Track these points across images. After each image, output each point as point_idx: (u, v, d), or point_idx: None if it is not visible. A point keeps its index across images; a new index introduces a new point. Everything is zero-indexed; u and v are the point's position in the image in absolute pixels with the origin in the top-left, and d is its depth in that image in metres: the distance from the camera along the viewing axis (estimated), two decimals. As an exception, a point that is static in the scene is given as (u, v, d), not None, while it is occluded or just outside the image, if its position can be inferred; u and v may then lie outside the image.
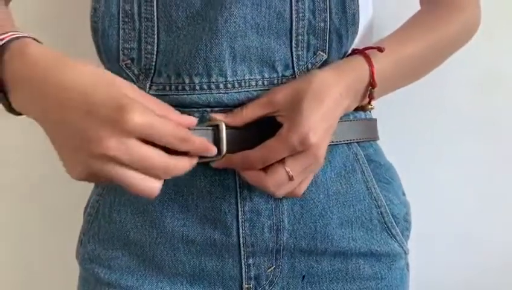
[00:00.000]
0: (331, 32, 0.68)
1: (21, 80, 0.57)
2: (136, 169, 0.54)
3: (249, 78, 0.67)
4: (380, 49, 0.68)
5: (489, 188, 1.06)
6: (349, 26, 0.68)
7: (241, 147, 0.63)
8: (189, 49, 0.65)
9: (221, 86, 0.66)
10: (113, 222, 0.72)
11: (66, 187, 1.04)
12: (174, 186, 0.69)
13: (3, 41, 0.58)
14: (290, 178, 0.62)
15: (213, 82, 0.66)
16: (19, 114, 0.60)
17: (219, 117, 0.64)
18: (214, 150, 0.60)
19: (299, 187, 0.64)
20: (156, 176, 0.55)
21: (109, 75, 0.55)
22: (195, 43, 0.65)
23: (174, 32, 0.66)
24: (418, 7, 0.82)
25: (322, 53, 0.68)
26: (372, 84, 0.68)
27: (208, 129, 0.63)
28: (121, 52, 0.67)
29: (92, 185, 0.76)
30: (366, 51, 0.69)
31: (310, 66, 0.68)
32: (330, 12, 0.68)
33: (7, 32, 0.59)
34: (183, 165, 0.57)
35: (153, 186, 0.55)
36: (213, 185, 0.68)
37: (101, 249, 0.72)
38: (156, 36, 0.67)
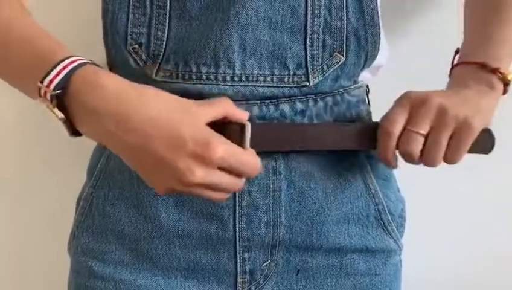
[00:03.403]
0: (349, 33, 0.67)
1: (95, 112, 0.58)
2: (212, 189, 0.60)
3: (258, 73, 0.66)
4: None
5: (480, 184, 1.07)
6: (368, 28, 0.68)
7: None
8: (199, 38, 0.65)
9: (228, 78, 0.66)
10: (107, 215, 0.71)
11: (57, 179, 1.04)
12: None
13: (68, 70, 0.59)
14: (417, 134, 0.65)
15: (220, 73, 0.65)
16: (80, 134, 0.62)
17: None
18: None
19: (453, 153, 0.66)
20: (226, 191, 0.62)
21: (188, 103, 0.60)
22: (206, 32, 0.65)
23: (187, 21, 0.66)
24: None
25: (339, 55, 0.68)
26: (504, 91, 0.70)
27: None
28: (129, 36, 0.67)
29: (83, 178, 0.76)
30: (496, 68, 0.68)
31: (325, 67, 0.67)
32: (347, 11, 0.67)
33: (68, 58, 0.60)
34: (242, 184, 0.62)
35: (223, 197, 0.62)
36: None
37: (94, 242, 0.72)
38: (167, 23, 0.66)
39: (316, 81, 0.67)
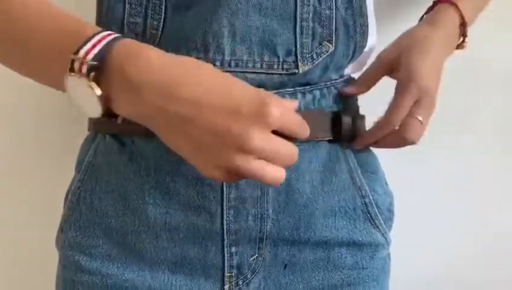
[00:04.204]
0: (338, 22, 0.68)
1: (138, 85, 0.54)
2: (269, 160, 0.55)
3: (247, 59, 0.66)
4: None
5: (470, 180, 1.07)
6: (357, 18, 0.69)
7: None
8: (191, 25, 0.65)
9: (218, 63, 0.66)
10: (94, 209, 0.71)
11: (46, 173, 1.04)
12: (155, 174, 0.68)
13: (106, 41, 0.55)
14: (421, 123, 0.72)
15: (209, 58, 0.65)
16: (112, 116, 0.57)
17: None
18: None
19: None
20: (283, 164, 0.56)
21: (232, 76, 0.57)
22: (197, 19, 0.65)
23: (182, 10, 0.66)
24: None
25: (328, 44, 0.68)
26: (463, 24, 0.78)
27: None
28: (125, 26, 0.67)
29: (71, 173, 0.76)
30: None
31: (314, 55, 0.68)
32: (336, 0, 0.68)
33: (103, 31, 0.56)
34: (297, 151, 0.58)
35: (281, 174, 0.56)
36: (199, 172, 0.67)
37: (81, 236, 0.71)
38: (163, 13, 0.66)
39: (306, 69, 0.68)
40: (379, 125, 0.74)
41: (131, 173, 0.69)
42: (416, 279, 1.07)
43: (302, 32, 0.67)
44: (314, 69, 0.69)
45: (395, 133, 0.73)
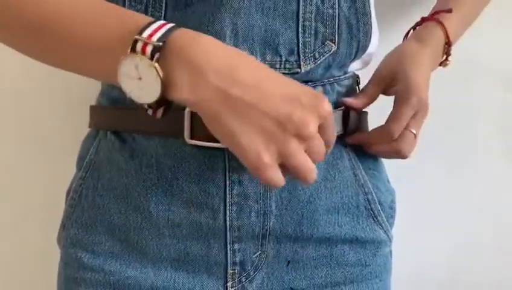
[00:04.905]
0: (341, 21, 0.68)
1: (201, 68, 0.54)
2: (311, 152, 0.58)
3: None
4: (449, 11, 0.81)
5: (470, 179, 1.07)
6: (360, 17, 0.69)
7: None
8: (192, 24, 0.65)
9: None
10: (97, 206, 0.71)
11: (48, 171, 1.04)
12: (157, 171, 0.68)
13: (169, 26, 0.56)
14: (415, 136, 0.74)
15: None
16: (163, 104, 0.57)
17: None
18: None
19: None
20: (316, 160, 0.59)
21: None
22: (199, 17, 0.65)
23: (182, 8, 0.66)
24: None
25: (330, 43, 0.68)
26: (448, 43, 0.81)
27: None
28: None
29: (72, 170, 0.75)
30: (436, 16, 0.81)
31: (317, 55, 0.68)
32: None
33: (159, 20, 0.57)
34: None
35: (314, 168, 0.58)
36: (202, 168, 0.67)
37: (84, 233, 0.71)
38: (163, 10, 0.66)
39: (308, 68, 0.68)
40: (379, 132, 0.75)
41: (133, 170, 0.69)
42: (417, 276, 1.07)
43: (304, 32, 0.67)
44: (316, 68, 0.69)
45: (390, 144, 0.74)
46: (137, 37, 0.54)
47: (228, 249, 0.69)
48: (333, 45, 0.68)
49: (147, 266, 0.70)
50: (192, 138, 0.66)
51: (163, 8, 0.66)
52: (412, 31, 0.84)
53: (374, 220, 0.74)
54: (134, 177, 0.69)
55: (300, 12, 0.67)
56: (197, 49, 0.55)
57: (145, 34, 0.55)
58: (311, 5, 0.67)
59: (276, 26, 0.66)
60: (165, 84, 0.55)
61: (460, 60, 1.01)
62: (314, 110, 0.56)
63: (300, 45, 0.67)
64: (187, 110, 0.65)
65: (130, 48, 0.55)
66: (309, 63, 0.68)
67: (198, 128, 0.65)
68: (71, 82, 0.99)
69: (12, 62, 1.01)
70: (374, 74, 0.78)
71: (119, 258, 0.70)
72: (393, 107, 0.75)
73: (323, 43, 0.68)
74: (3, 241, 1.07)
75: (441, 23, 0.81)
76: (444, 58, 0.83)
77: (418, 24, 0.83)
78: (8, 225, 1.07)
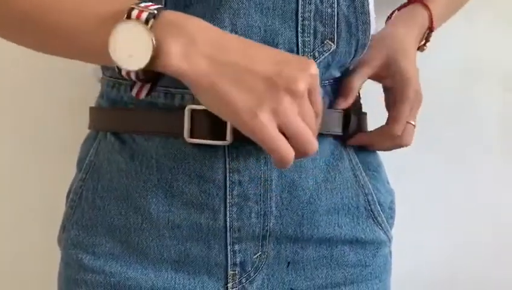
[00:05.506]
0: (340, 20, 0.68)
1: (192, 38, 0.56)
2: (304, 117, 0.58)
3: None
4: None
5: (470, 179, 1.08)
6: (359, 15, 0.69)
7: None
8: None
9: None
10: (97, 208, 0.71)
11: (48, 172, 1.04)
12: (157, 172, 0.68)
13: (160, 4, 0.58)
14: (414, 126, 0.76)
15: None
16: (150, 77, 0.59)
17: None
18: None
19: None
20: (313, 125, 0.59)
21: None
22: (198, 17, 0.65)
23: (182, 8, 0.65)
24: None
25: (330, 42, 0.68)
26: (430, 28, 0.81)
27: None
28: None
29: (73, 172, 0.75)
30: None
31: (316, 54, 0.68)
32: None
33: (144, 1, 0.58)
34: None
35: (314, 140, 0.59)
36: (202, 169, 0.67)
37: (84, 235, 0.71)
38: None
39: None
40: (381, 132, 0.75)
41: (133, 171, 0.69)
42: (416, 275, 1.07)
43: (303, 31, 0.67)
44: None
45: (392, 140, 0.75)
46: (133, 5, 0.56)
47: (228, 250, 0.69)
48: (332, 44, 0.68)
49: (148, 267, 0.70)
50: (192, 136, 0.66)
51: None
52: (396, 11, 0.83)
53: (373, 220, 0.74)
54: (135, 179, 0.69)
55: (300, 11, 0.67)
56: (189, 22, 0.57)
57: (142, 4, 0.57)
58: (310, 4, 0.67)
59: (276, 26, 0.66)
60: (157, 51, 0.55)
61: (461, 60, 1.02)
62: (302, 69, 0.57)
63: (299, 45, 0.67)
64: (187, 108, 0.65)
65: (125, 15, 0.56)
66: None
67: (198, 127, 0.65)
68: (71, 83, 0.99)
69: (12, 62, 1.01)
70: (362, 61, 0.75)
71: (119, 259, 0.70)
72: (392, 103, 0.76)
73: (322, 42, 0.68)
74: (3, 241, 1.08)
75: (426, 7, 0.81)
76: (423, 43, 0.83)
77: (403, 5, 0.83)
78: (8, 225, 1.07)
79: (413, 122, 0.76)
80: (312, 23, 0.67)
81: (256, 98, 0.56)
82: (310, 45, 0.67)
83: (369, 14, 0.70)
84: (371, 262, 0.74)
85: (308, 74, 0.57)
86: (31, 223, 1.06)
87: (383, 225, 0.74)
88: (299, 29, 0.67)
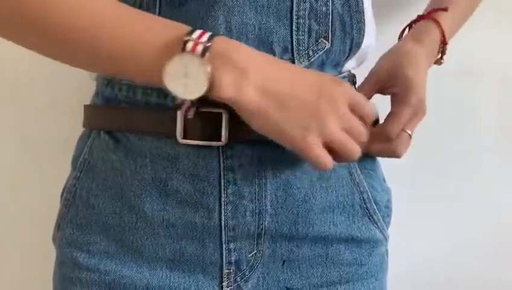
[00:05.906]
0: (334, 18, 0.68)
1: (242, 68, 0.60)
2: (350, 132, 0.63)
3: None
4: (445, 9, 0.82)
5: (470, 179, 1.07)
6: (353, 14, 0.69)
7: None
8: (186, 22, 0.64)
9: None
10: (91, 206, 0.71)
11: (42, 171, 1.04)
12: (151, 171, 0.68)
13: (209, 33, 0.60)
14: (410, 137, 0.75)
15: None
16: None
17: None
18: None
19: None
20: (359, 141, 0.64)
21: None
22: (192, 15, 0.65)
23: (176, 6, 0.66)
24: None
25: (324, 40, 0.68)
26: (443, 42, 0.82)
27: None
28: None
29: (67, 170, 0.76)
30: (433, 14, 0.82)
31: (311, 52, 0.68)
32: None
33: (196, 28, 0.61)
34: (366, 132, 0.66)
35: (358, 149, 0.64)
36: (197, 168, 0.67)
37: (79, 233, 0.71)
38: (157, 9, 0.66)
39: (302, 66, 0.68)
40: (376, 132, 0.74)
41: (127, 169, 0.69)
42: (414, 275, 1.07)
43: (298, 30, 0.67)
44: (310, 66, 0.68)
45: (385, 144, 0.75)
46: (187, 38, 0.59)
47: (223, 248, 0.69)
48: (327, 42, 0.68)
49: (142, 265, 0.70)
50: (185, 137, 0.66)
51: (158, 5, 0.66)
52: (407, 29, 0.84)
53: (369, 219, 0.73)
54: (129, 177, 0.69)
55: (294, 9, 0.67)
56: (241, 53, 0.60)
57: (195, 35, 0.59)
58: (304, 2, 0.67)
59: (270, 24, 0.66)
60: (211, 84, 0.59)
61: (460, 60, 1.02)
62: (338, 92, 0.62)
63: (294, 43, 0.67)
64: (180, 111, 0.65)
65: (181, 47, 0.59)
66: (303, 61, 0.68)
67: (191, 128, 0.66)
68: (71, 83, 0.99)
69: (12, 62, 1.01)
70: (370, 73, 0.79)
71: (114, 257, 0.70)
72: (392, 107, 0.76)
73: (316, 41, 0.68)
74: (3, 241, 1.08)
75: (437, 22, 0.81)
76: (439, 56, 0.83)
77: (414, 22, 0.83)
78: (7, 224, 1.07)
79: (409, 132, 0.75)
80: (307, 22, 0.67)
81: (303, 122, 0.61)
82: (304, 43, 0.67)
83: (363, 12, 0.70)
84: (367, 261, 0.74)
85: (343, 94, 0.62)
86: (29, 221, 1.06)
87: (378, 223, 0.74)
88: (293, 27, 0.67)
